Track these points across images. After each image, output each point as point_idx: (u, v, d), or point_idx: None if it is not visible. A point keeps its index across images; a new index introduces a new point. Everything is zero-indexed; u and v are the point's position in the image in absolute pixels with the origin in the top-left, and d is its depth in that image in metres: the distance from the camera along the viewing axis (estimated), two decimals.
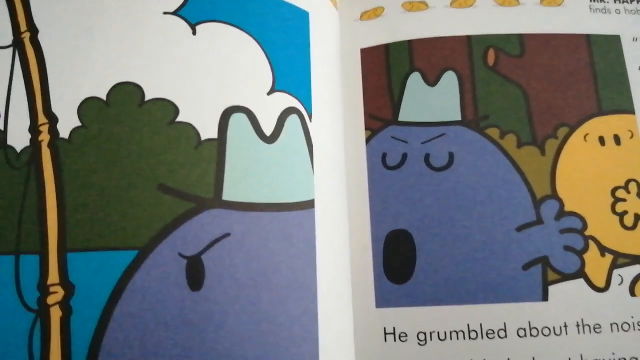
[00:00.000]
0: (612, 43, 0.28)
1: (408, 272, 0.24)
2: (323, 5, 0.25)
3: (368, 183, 0.25)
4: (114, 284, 0.18)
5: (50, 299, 0.18)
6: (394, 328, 0.24)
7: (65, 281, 0.18)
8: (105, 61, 0.20)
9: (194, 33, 0.21)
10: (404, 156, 0.26)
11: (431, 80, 0.27)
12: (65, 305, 0.18)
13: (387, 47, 0.27)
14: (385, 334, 0.23)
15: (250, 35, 0.22)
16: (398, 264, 0.24)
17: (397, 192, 0.25)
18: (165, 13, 0.21)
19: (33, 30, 0.20)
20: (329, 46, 0.25)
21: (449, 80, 0.27)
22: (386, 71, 0.27)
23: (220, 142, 0.20)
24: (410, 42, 0.27)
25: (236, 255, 0.19)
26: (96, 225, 0.18)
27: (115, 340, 0.17)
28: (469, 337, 0.23)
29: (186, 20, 0.21)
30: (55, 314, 0.18)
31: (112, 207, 0.19)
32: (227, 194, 0.20)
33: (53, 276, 0.18)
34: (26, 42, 0.20)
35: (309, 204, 0.21)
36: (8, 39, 0.20)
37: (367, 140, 0.26)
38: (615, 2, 0.29)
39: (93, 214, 0.19)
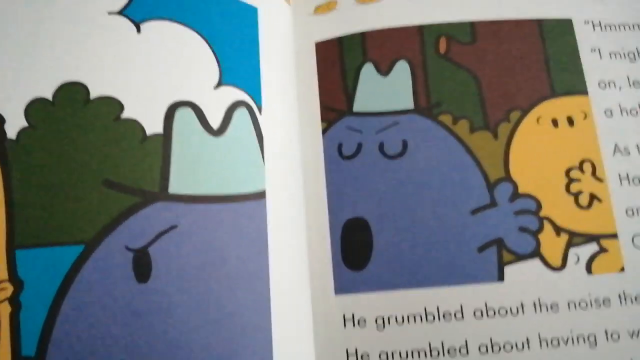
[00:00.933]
0: (564, 27, 0.28)
1: (366, 259, 0.25)
2: (274, 1, 0.25)
3: (325, 173, 0.26)
4: (62, 278, 0.18)
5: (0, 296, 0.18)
6: (352, 314, 0.24)
7: (14, 277, 0.18)
8: (50, 62, 0.20)
9: (139, 31, 0.21)
10: (359, 146, 0.26)
11: (384, 70, 0.27)
12: (14, 301, 0.18)
13: (340, 40, 0.28)
14: (345, 320, 0.24)
15: (196, 32, 0.22)
16: (356, 251, 0.25)
17: (353, 182, 0.26)
18: (109, 13, 0.21)
19: None
20: (280, 41, 0.25)
21: (402, 69, 0.27)
22: (340, 63, 0.27)
23: (166, 136, 0.20)
24: (363, 34, 0.28)
25: (184, 246, 0.19)
26: (43, 221, 0.19)
27: (65, 333, 0.18)
28: (427, 320, 0.24)
29: (130, 20, 0.21)
30: (4, 310, 0.18)
31: (59, 204, 0.19)
32: (174, 187, 0.20)
33: (2, 273, 0.18)
34: None
35: (260, 195, 0.22)
36: None
37: (324, 131, 0.27)
38: None
39: (40, 211, 0.19)
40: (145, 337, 0.18)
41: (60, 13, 0.21)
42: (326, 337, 0.23)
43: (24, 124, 0.20)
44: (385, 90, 0.27)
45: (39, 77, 0.20)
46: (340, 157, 0.26)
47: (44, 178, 0.19)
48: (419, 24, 0.28)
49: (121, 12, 0.21)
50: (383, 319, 0.24)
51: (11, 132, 0.20)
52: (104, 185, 0.19)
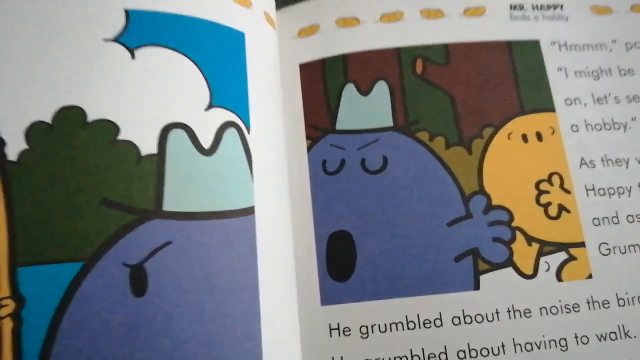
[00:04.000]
0: (532, 47, 0.30)
1: (350, 270, 0.26)
2: (259, 26, 0.27)
3: (310, 188, 0.27)
4: (62, 294, 0.19)
5: (2, 312, 0.19)
6: (338, 324, 0.25)
7: (15, 294, 0.19)
8: (49, 87, 0.21)
9: (133, 57, 0.22)
10: (342, 162, 0.27)
11: (364, 90, 0.29)
12: (16, 316, 0.19)
13: (323, 62, 0.29)
14: (331, 329, 0.25)
15: (187, 57, 0.23)
16: (340, 263, 0.26)
17: (337, 196, 0.27)
18: (105, 40, 0.22)
19: None
20: (266, 63, 0.27)
21: (381, 89, 0.29)
22: (323, 84, 0.29)
23: (160, 157, 0.21)
24: (344, 56, 0.29)
25: (178, 261, 0.20)
26: (44, 240, 0.20)
27: (65, 347, 0.19)
28: (408, 328, 0.25)
29: (125, 46, 0.23)
30: (7, 325, 0.19)
31: (59, 223, 0.20)
32: (168, 205, 0.21)
33: (4, 290, 0.19)
34: None
35: (249, 211, 0.23)
36: None
37: (309, 148, 0.28)
38: (533, 9, 0.31)
39: (41, 230, 0.20)
40: (142, 350, 0.19)
41: (58, 41, 0.22)
42: (313, 346, 0.25)
43: (25, 146, 0.21)
44: (366, 109, 0.28)
45: (38, 101, 0.21)
46: (324, 172, 0.27)
47: (44, 198, 0.20)
48: (396, 46, 0.29)
49: (116, 40, 0.23)
50: (367, 327, 0.25)
51: (12, 154, 0.21)
52: (101, 204, 0.20)
